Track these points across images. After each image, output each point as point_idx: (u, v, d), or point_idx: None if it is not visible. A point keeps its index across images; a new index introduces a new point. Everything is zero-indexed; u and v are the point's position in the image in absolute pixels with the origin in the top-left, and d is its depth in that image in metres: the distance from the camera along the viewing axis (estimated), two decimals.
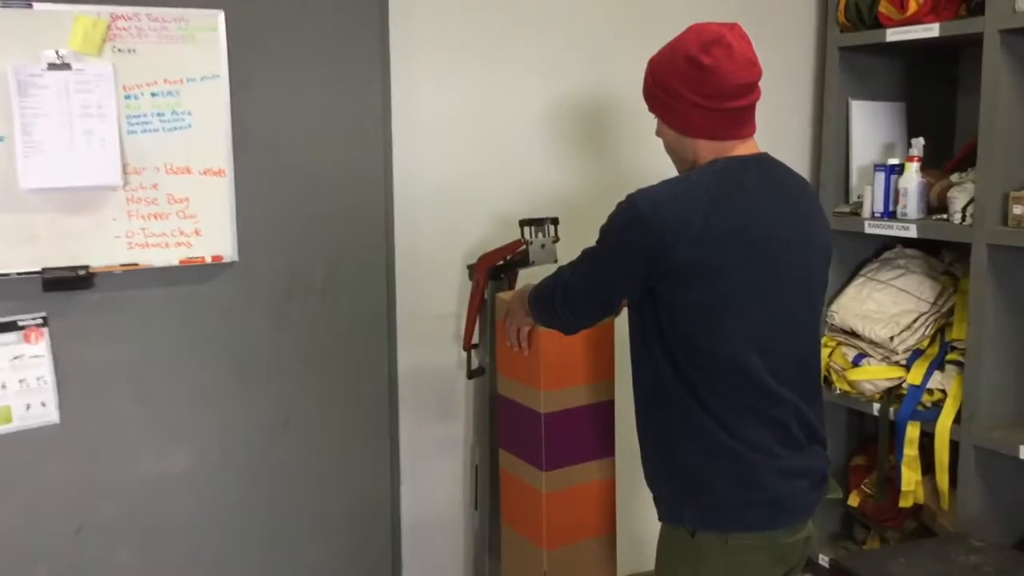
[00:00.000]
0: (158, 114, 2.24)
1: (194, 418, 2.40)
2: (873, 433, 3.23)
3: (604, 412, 2.36)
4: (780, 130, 3.10)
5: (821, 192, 3.08)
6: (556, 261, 2.34)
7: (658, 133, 1.89)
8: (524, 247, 2.31)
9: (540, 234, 2.31)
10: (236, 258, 2.35)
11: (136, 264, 2.26)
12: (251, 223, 2.37)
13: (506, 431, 2.43)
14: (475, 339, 2.54)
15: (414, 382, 2.66)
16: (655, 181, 2.96)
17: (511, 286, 2.50)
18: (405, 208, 2.58)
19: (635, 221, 1.72)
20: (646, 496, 1.90)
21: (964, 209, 2.70)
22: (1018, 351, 2.71)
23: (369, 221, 2.53)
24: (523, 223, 2.31)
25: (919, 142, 2.85)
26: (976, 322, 2.65)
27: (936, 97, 3.20)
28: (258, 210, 2.39)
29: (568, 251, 2.31)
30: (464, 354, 2.60)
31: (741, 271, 1.69)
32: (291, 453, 2.51)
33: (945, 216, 2.76)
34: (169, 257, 2.29)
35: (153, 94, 2.23)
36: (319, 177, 2.45)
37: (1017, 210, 2.55)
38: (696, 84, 1.73)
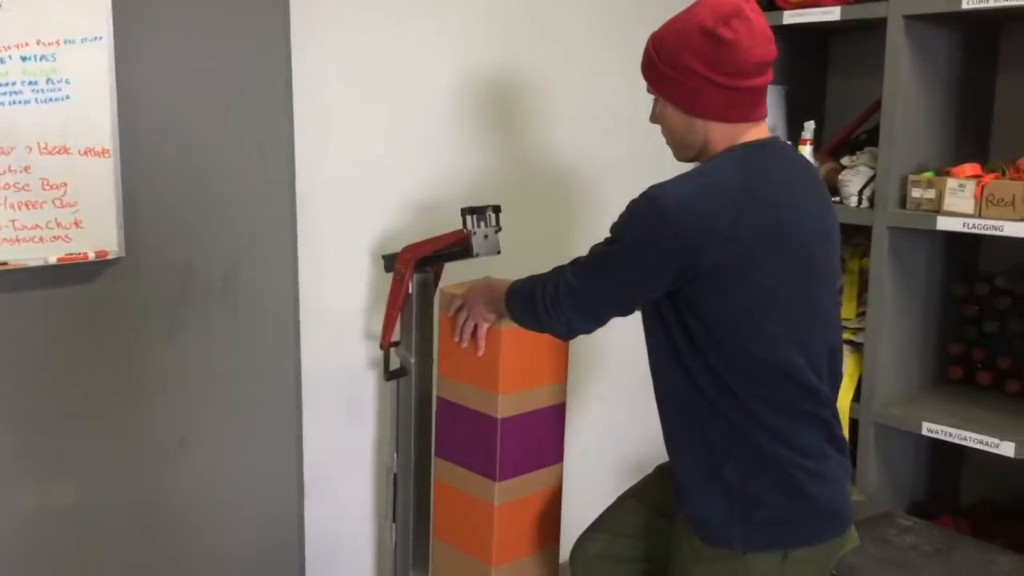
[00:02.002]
0: (30, 82, 1.85)
1: (76, 443, 2.03)
2: None
3: (557, 416, 2.22)
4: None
5: None
6: (499, 252, 2.16)
7: (656, 117, 1.76)
8: (466, 238, 2.11)
9: (483, 223, 2.12)
10: (123, 253, 2.00)
11: (5, 263, 1.86)
12: (140, 212, 2.03)
13: (447, 439, 2.22)
14: (395, 337, 2.31)
15: (318, 385, 2.40)
16: (577, 161, 2.87)
17: (436, 279, 2.29)
18: (308, 194, 2.31)
19: (660, 219, 1.57)
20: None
21: (860, 192, 2.75)
22: (912, 330, 2.81)
23: (273, 209, 2.24)
24: (465, 212, 2.11)
25: (810, 125, 2.87)
26: (875, 302, 2.71)
27: (807, 80, 3.25)
28: (148, 197, 2.04)
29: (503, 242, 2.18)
30: (378, 354, 2.36)
31: (779, 266, 1.59)
32: (187, 477, 2.19)
33: (838, 199, 2.81)
34: (45, 253, 1.91)
35: (23, 58, 1.84)
36: (218, 159, 2.14)
37: (916, 193, 2.61)
38: (713, 60, 1.60)
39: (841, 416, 2.71)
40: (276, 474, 2.33)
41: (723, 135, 1.67)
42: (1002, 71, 2.91)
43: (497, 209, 2.14)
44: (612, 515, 2.05)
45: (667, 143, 1.79)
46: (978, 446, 2.50)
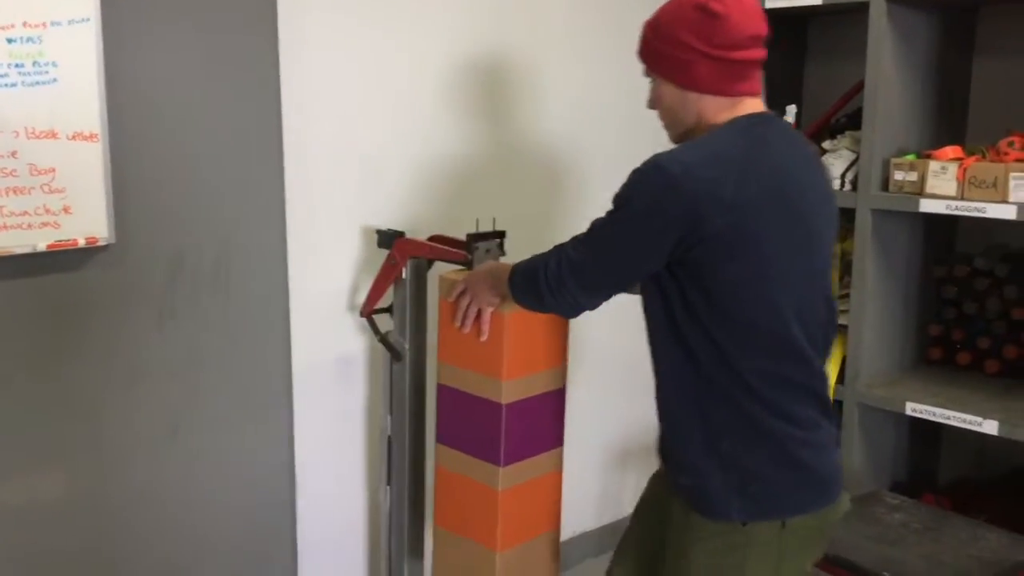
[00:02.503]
0: (16, 65, 1.81)
1: (66, 434, 2.00)
2: None
3: (558, 400, 2.21)
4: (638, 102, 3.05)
5: None
6: None
7: (653, 101, 1.77)
8: (467, 261, 2.12)
9: (487, 248, 2.13)
10: (113, 240, 1.97)
11: None
12: (129, 198, 2.00)
13: (448, 425, 2.20)
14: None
15: (309, 370, 2.37)
16: (564, 146, 2.86)
17: (430, 263, 2.27)
18: (296, 178, 2.28)
19: (664, 186, 1.57)
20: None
21: (843, 175, 2.78)
22: (894, 311, 2.84)
23: (262, 195, 2.21)
24: (471, 239, 2.12)
25: (792, 109, 2.90)
26: (859, 284, 2.74)
27: (786, 65, 3.28)
28: (137, 183, 2.01)
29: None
30: (371, 340, 2.35)
31: (781, 235, 1.60)
32: (180, 467, 2.16)
33: None
34: (34, 240, 1.87)
35: (9, 40, 1.80)
36: (206, 144, 2.11)
37: (898, 176, 2.64)
38: (707, 33, 1.63)
39: None
40: (268, 461, 2.31)
41: (717, 109, 1.68)
42: (978, 55, 2.95)
43: (502, 235, 2.14)
44: (630, 533, 2.04)
45: (663, 125, 1.80)
46: (962, 425, 2.54)
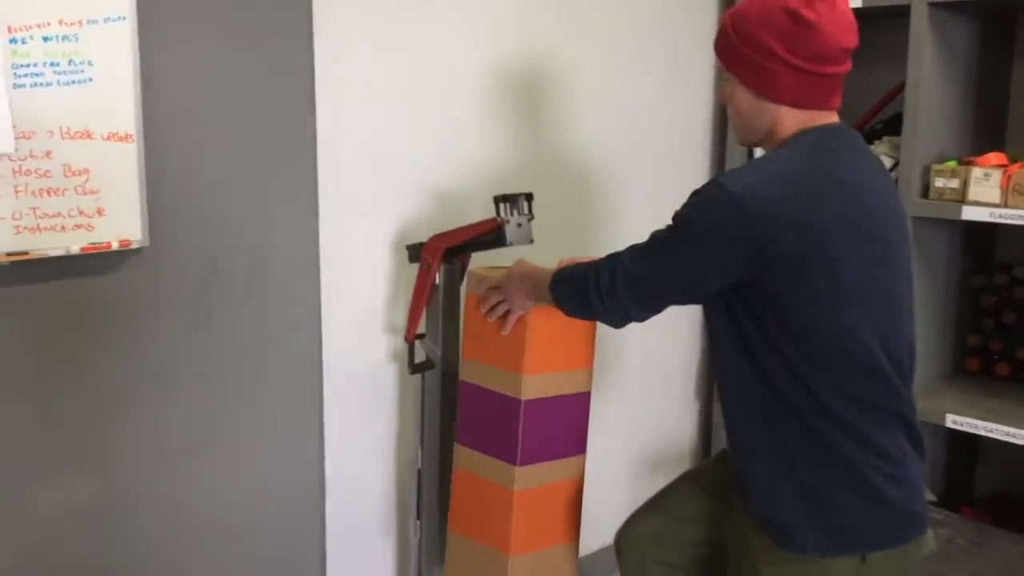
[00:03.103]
0: (51, 64, 1.78)
1: (98, 440, 1.95)
2: None
3: (582, 404, 2.15)
4: (680, 103, 3.02)
5: (727, 161, 3.03)
6: (532, 241, 2.10)
7: (725, 97, 1.70)
8: (499, 226, 2.05)
9: (515, 211, 2.06)
10: (147, 243, 1.93)
11: (26, 253, 1.78)
12: (163, 201, 1.96)
13: (468, 424, 2.15)
14: (420, 329, 2.25)
15: (339, 380, 2.33)
16: (601, 151, 2.83)
17: (463, 270, 2.23)
18: (330, 185, 2.24)
19: (729, 206, 1.51)
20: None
21: None
22: (933, 321, 2.79)
23: (296, 200, 2.17)
24: (498, 200, 2.06)
25: None
26: None
27: None
28: (171, 185, 1.97)
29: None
30: (400, 347, 2.30)
31: (857, 252, 1.54)
32: (212, 477, 2.12)
33: None
34: (67, 243, 1.83)
35: (45, 38, 1.77)
36: (242, 145, 2.07)
37: (939, 182, 2.59)
38: (794, 42, 1.55)
39: None
40: (298, 472, 2.27)
41: (793, 121, 1.61)
42: (1018, 61, 2.90)
43: (530, 197, 2.08)
44: (667, 497, 2.00)
45: (732, 126, 1.73)
46: (1004, 438, 2.48)
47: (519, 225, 2.06)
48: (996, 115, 2.91)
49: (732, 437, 1.71)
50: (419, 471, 2.29)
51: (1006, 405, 2.63)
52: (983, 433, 2.52)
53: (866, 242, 1.56)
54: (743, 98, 1.64)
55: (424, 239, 2.24)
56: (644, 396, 3.08)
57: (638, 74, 2.87)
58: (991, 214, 2.46)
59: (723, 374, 1.69)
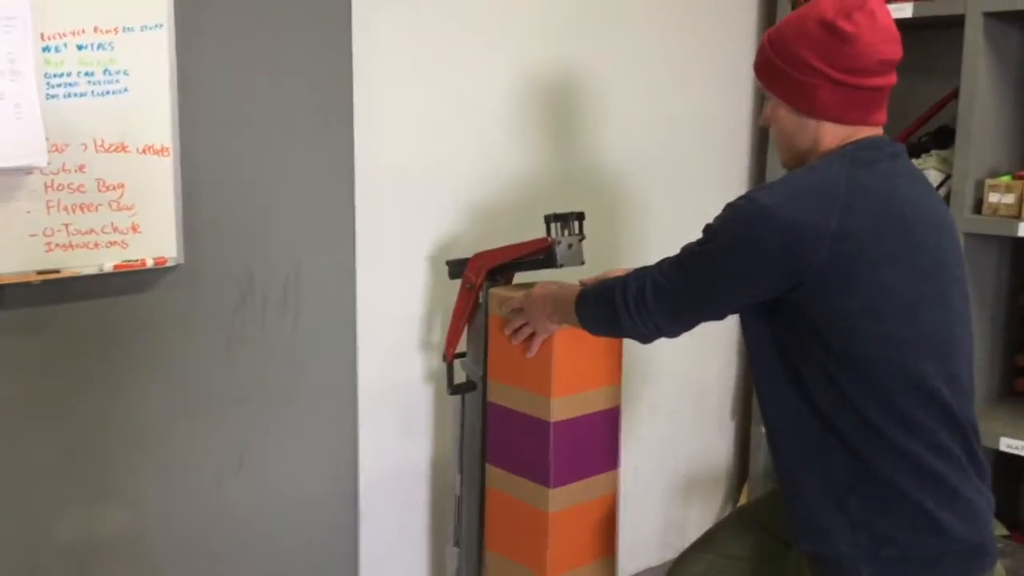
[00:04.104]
0: (86, 73, 1.70)
1: (128, 465, 1.88)
2: None
3: (612, 420, 2.11)
4: (718, 113, 2.94)
5: (768, 174, 2.95)
6: (583, 262, 2.03)
7: (767, 120, 1.64)
8: (549, 246, 1.98)
9: (566, 231, 1.99)
10: (182, 260, 1.85)
11: (58, 271, 1.71)
12: (199, 216, 1.88)
13: (499, 445, 2.11)
14: (460, 348, 2.17)
15: (374, 399, 2.25)
16: (637, 166, 2.75)
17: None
18: (366, 199, 2.16)
19: (759, 217, 1.45)
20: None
21: None
22: (983, 340, 2.70)
23: (333, 216, 2.09)
24: (549, 219, 1.98)
25: None
26: None
27: None
28: (208, 200, 1.90)
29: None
30: (437, 366, 2.22)
31: (901, 263, 1.46)
32: (245, 501, 2.04)
33: None
34: (100, 261, 1.75)
35: (79, 47, 1.69)
36: (279, 159, 1.99)
37: (993, 198, 2.51)
38: (832, 54, 1.49)
39: None
40: (332, 493, 2.19)
41: (835, 137, 1.54)
42: None
43: (581, 216, 2.01)
44: (720, 534, 1.92)
45: (777, 148, 1.67)
46: None
47: (570, 246, 1.99)
48: None
49: (779, 468, 1.63)
50: (457, 496, 2.20)
51: None
52: None
53: (910, 254, 1.48)
54: (784, 117, 1.58)
55: (461, 255, 2.17)
56: (679, 414, 3.00)
57: (675, 88, 2.80)
58: None
59: (766, 401, 1.61)
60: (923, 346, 1.49)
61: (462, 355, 2.17)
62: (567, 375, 1.99)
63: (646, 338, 1.68)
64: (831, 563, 1.54)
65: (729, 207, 1.53)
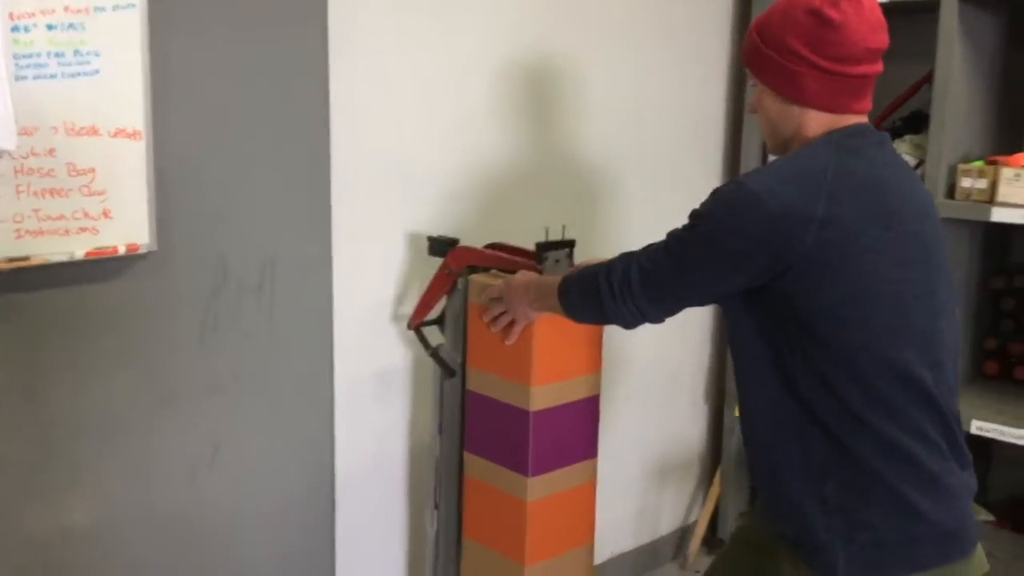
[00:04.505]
0: (56, 54, 1.65)
1: (99, 456, 1.83)
2: None
3: (591, 408, 2.11)
4: (693, 104, 2.93)
5: (742, 164, 2.95)
6: None
7: (754, 107, 1.63)
8: (538, 271, 2.00)
9: (556, 263, 2.01)
10: (155, 247, 1.81)
11: (27, 258, 1.66)
12: (172, 201, 1.84)
13: (477, 433, 2.10)
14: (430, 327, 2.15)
15: (350, 384, 2.22)
16: (613, 152, 2.73)
17: None
18: (342, 184, 2.12)
19: (746, 202, 1.44)
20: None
21: None
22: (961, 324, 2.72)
23: (309, 199, 2.06)
24: (541, 248, 2.02)
25: None
26: None
27: None
28: (181, 185, 1.85)
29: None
30: (416, 352, 2.20)
31: (885, 251, 1.46)
32: (220, 491, 2.00)
33: None
34: (71, 248, 1.70)
35: (49, 26, 1.63)
36: (256, 142, 1.95)
37: (966, 183, 2.52)
38: (818, 42, 1.49)
39: None
40: (308, 483, 2.16)
41: (819, 125, 1.54)
42: None
43: (572, 245, 2.03)
44: (724, 563, 1.90)
45: (762, 135, 1.68)
46: None
47: (557, 261, 2.03)
48: (1018, 114, 2.84)
49: (756, 455, 1.62)
50: (437, 460, 2.19)
51: None
52: (1012, 440, 2.46)
53: (895, 241, 1.48)
54: (769, 104, 1.58)
55: (447, 235, 2.16)
56: (652, 400, 3.00)
57: (652, 79, 2.79)
58: (1023, 215, 2.39)
59: (746, 385, 1.61)
60: (907, 334, 1.49)
61: (429, 323, 2.16)
62: (547, 364, 1.99)
63: (629, 324, 1.67)
64: (808, 548, 1.53)
65: (716, 192, 1.53)
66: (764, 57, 1.56)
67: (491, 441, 2.08)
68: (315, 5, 2.01)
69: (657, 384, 3.00)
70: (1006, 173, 2.44)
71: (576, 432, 2.09)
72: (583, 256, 2.07)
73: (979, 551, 1.56)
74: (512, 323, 1.95)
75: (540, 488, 2.03)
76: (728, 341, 1.67)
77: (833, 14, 1.48)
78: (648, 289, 1.59)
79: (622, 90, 2.70)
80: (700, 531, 3.14)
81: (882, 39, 1.53)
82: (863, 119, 1.58)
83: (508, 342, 1.97)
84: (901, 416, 1.48)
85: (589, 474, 2.14)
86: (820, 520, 1.51)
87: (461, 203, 2.36)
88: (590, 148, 2.66)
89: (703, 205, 1.54)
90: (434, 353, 2.13)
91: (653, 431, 3.02)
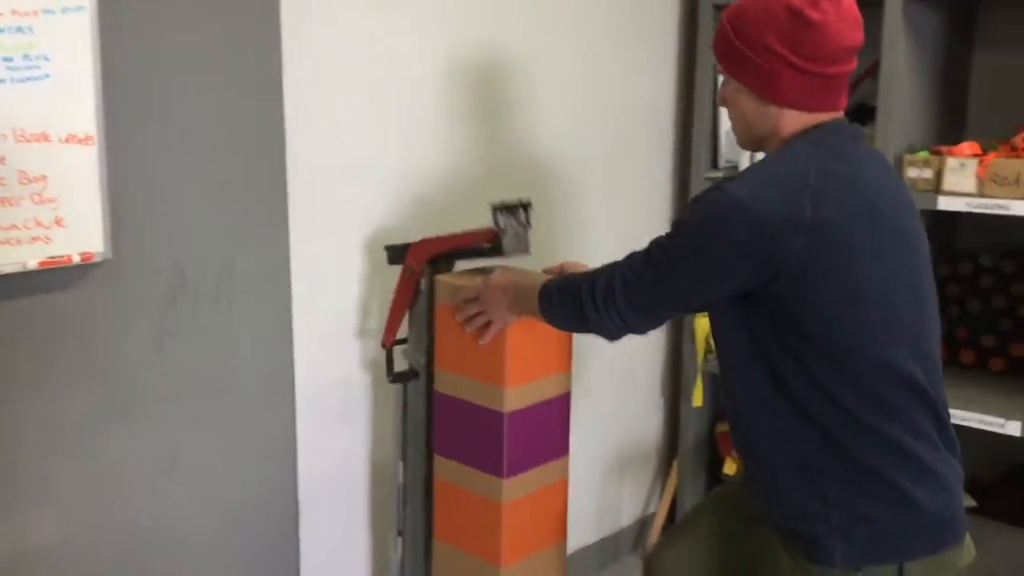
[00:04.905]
0: (4, 59, 1.61)
1: (57, 469, 1.79)
2: None
3: (563, 406, 2.10)
4: (642, 89, 2.95)
5: (693, 158, 2.97)
6: (530, 252, 2.00)
7: (726, 100, 1.62)
8: (496, 236, 1.95)
9: (514, 221, 1.96)
10: (110, 255, 1.77)
11: None
12: (127, 208, 1.79)
13: (447, 435, 2.07)
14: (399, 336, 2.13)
15: (312, 392, 2.19)
16: (568, 148, 2.73)
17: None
18: (298, 186, 2.09)
19: (732, 210, 1.44)
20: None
21: None
22: None
23: (267, 201, 2.03)
24: (497, 209, 1.95)
25: None
26: None
27: None
28: (135, 191, 1.81)
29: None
30: (374, 355, 2.18)
31: (872, 249, 1.47)
32: (181, 501, 1.97)
33: None
34: (23, 258, 1.66)
35: None
36: (211, 146, 1.91)
37: (912, 173, 2.57)
38: (797, 42, 1.47)
39: None
40: (271, 490, 2.13)
41: (796, 123, 1.54)
42: (979, 50, 2.91)
43: (528, 205, 1.99)
44: (697, 518, 1.92)
45: (733, 129, 1.66)
46: (983, 427, 2.48)
47: (517, 235, 1.97)
48: (958, 104, 2.91)
49: (750, 454, 1.63)
50: (400, 485, 2.17)
51: (977, 393, 2.62)
52: (960, 423, 2.51)
53: (880, 237, 1.50)
54: (744, 102, 1.57)
55: (398, 241, 2.13)
56: (610, 395, 3.01)
57: (601, 77, 2.80)
58: (967, 204, 2.45)
59: (733, 386, 1.61)
60: (897, 329, 1.51)
61: (402, 342, 2.13)
62: (520, 364, 1.96)
63: (613, 335, 1.66)
64: (806, 541, 1.55)
65: (700, 200, 1.51)
66: (738, 54, 1.54)
67: (462, 443, 2.05)
68: (267, 5, 1.97)
69: (614, 380, 3.01)
70: (951, 163, 2.49)
71: (549, 430, 2.08)
72: (541, 254, 2.06)
73: (968, 537, 1.60)
74: (488, 324, 1.90)
75: (515, 489, 2.01)
76: (715, 344, 1.66)
77: (814, 14, 1.46)
78: (633, 300, 1.58)
79: (574, 85, 2.71)
80: (659, 522, 3.16)
81: (859, 37, 1.53)
82: (839, 115, 1.58)
83: (482, 342, 1.92)
84: (894, 411, 1.51)
85: (561, 472, 2.12)
86: (819, 515, 1.53)
87: (418, 204, 2.34)
88: (545, 147, 2.66)
89: (688, 213, 1.53)
90: (396, 378, 2.10)
91: (612, 426, 3.04)
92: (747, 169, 1.55)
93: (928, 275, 1.60)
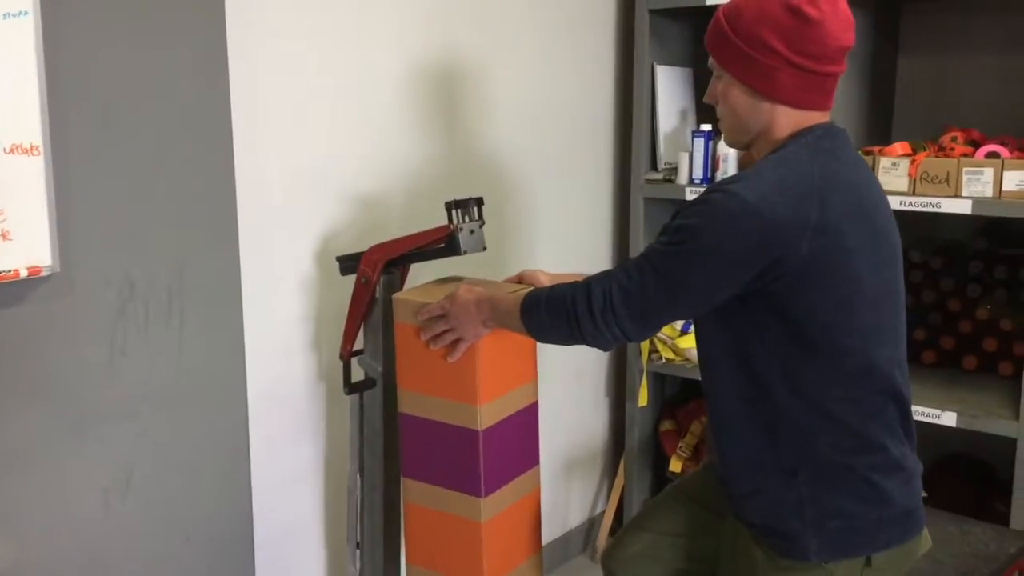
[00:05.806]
0: None
1: (5, 490, 1.72)
2: (672, 396, 3.27)
3: (531, 416, 2.07)
4: (583, 92, 2.98)
5: (633, 160, 3.01)
6: (485, 248, 2.00)
7: (717, 96, 1.61)
8: (451, 234, 1.93)
9: (467, 217, 1.95)
10: (58, 268, 1.70)
11: None
12: (74, 220, 1.74)
13: (415, 457, 2.01)
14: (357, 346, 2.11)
15: (264, 403, 2.16)
16: (515, 152, 2.74)
17: (403, 281, 2.10)
18: (248, 194, 2.06)
19: (742, 213, 1.43)
20: None
21: None
22: None
23: (215, 214, 1.98)
24: (450, 206, 1.94)
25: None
26: None
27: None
28: (83, 202, 1.76)
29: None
30: (328, 365, 2.15)
31: (869, 251, 1.51)
32: (134, 521, 1.91)
33: None
34: None
35: None
36: (158, 155, 1.86)
37: None
38: (795, 39, 1.49)
39: None
40: (225, 505, 2.08)
41: (788, 121, 1.55)
42: (903, 54, 3.01)
43: (480, 202, 1.97)
44: (655, 512, 1.94)
45: (722, 126, 1.65)
46: (920, 418, 2.56)
47: (472, 232, 1.95)
48: (886, 106, 3.01)
49: (725, 451, 1.65)
50: (359, 498, 2.14)
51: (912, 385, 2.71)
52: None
53: (873, 242, 1.53)
54: (738, 97, 1.57)
55: (349, 250, 2.11)
56: (558, 397, 3.03)
57: (553, 72, 2.82)
58: (900, 202, 2.52)
59: (713, 384, 1.63)
60: (882, 334, 1.55)
61: (359, 352, 2.11)
62: (491, 379, 1.90)
63: (608, 345, 1.64)
64: (780, 536, 1.58)
65: (705, 203, 1.49)
66: (735, 50, 1.54)
67: (433, 464, 1.98)
68: (212, 10, 1.94)
69: (562, 382, 3.03)
70: (884, 163, 2.57)
71: (520, 442, 2.04)
72: (495, 253, 2.05)
73: (925, 528, 1.65)
74: (457, 341, 1.84)
75: (493, 506, 1.96)
76: (696, 344, 1.67)
77: (812, 12, 1.48)
78: (633, 310, 1.55)
79: (525, 89, 2.73)
80: (607, 521, 3.19)
81: (851, 38, 1.56)
82: (827, 117, 1.61)
83: (451, 359, 1.86)
84: (873, 411, 1.54)
85: (534, 482, 2.09)
86: (793, 510, 1.55)
87: (372, 209, 2.33)
88: (498, 147, 2.67)
89: (691, 217, 1.50)
90: (352, 389, 2.08)
91: (560, 427, 3.05)
92: (749, 171, 1.54)
93: (903, 280, 1.64)
